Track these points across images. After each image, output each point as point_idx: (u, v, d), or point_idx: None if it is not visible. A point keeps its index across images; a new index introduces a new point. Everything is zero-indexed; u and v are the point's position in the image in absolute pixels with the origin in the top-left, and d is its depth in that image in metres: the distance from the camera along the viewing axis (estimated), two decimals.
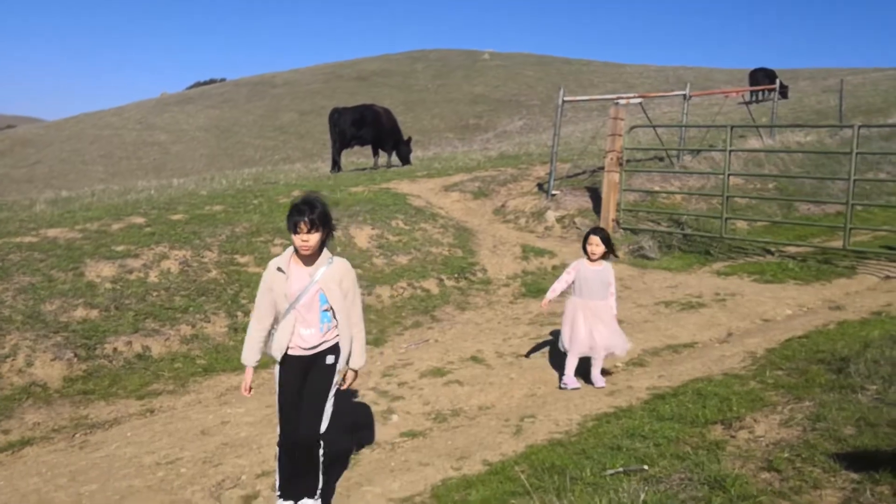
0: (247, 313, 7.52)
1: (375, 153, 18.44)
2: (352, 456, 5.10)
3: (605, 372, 6.48)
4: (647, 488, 3.70)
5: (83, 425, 5.93)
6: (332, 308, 4.16)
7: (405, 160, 18.15)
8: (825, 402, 4.75)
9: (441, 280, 9.47)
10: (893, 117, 20.25)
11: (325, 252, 4.20)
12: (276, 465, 4.32)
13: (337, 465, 4.92)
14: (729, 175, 11.58)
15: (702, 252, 11.38)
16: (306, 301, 4.11)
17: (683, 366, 6.56)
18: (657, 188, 13.40)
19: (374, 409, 5.91)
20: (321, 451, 4.22)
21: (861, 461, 3.79)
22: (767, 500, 3.56)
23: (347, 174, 16.27)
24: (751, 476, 3.85)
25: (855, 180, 10.36)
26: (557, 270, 10.29)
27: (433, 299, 9.01)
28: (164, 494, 4.64)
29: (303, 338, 4.15)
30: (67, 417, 6.01)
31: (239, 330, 7.46)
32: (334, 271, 4.16)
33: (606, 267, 6.37)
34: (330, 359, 4.21)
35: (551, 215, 12.49)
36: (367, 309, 8.39)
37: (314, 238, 4.02)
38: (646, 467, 4.12)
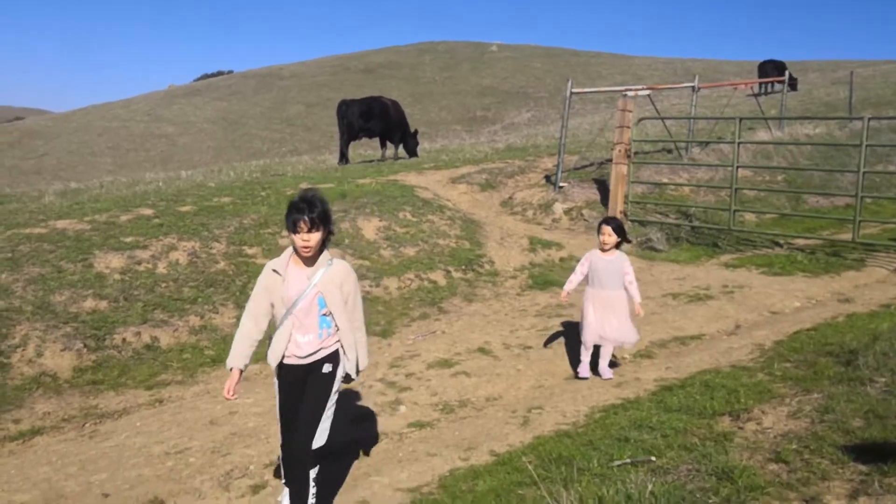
0: None
1: (383, 145, 18.43)
2: (360, 446, 5.12)
3: (612, 363, 6.49)
4: (654, 479, 3.70)
5: (93, 415, 5.96)
6: (331, 313, 3.97)
7: (412, 152, 18.13)
8: (833, 395, 4.74)
9: (448, 272, 9.47)
10: None
11: (325, 253, 4.03)
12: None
13: (345, 455, 4.94)
14: (737, 167, 11.55)
15: (710, 244, 11.35)
16: (304, 306, 3.92)
17: (691, 357, 6.56)
18: (665, 180, 13.36)
19: (381, 399, 5.93)
20: (314, 474, 4.02)
21: (869, 453, 3.78)
22: (775, 491, 3.56)
23: (355, 166, 16.28)
24: (759, 467, 3.85)
25: (864, 173, 10.31)
26: (565, 262, 10.30)
27: (440, 291, 9.02)
28: (173, 483, 4.67)
29: (299, 345, 3.96)
30: (77, 407, 6.05)
31: None
32: (334, 274, 3.97)
33: (619, 256, 6.36)
34: (327, 367, 4.01)
35: (559, 207, 12.47)
36: (374, 300, 8.41)
37: (315, 238, 3.86)
38: (653, 458, 4.12)
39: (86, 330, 6.91)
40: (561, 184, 13.06)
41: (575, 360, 6.63)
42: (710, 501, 3.51)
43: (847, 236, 10.64)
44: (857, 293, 8.50)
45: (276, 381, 4.09)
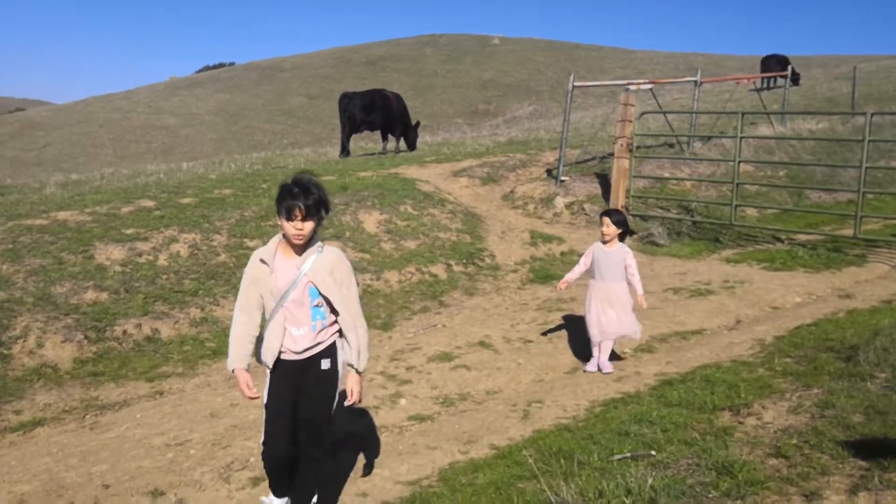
0: None
1: (385, 138, 18.40)
2: (360, 439, 5.13)
3: (613, 357, 6.49)
4: (654, 473, 3.70)
5: (93, 407, 5.97)
6: (324, 303, 3.71)
7: (412, 146, 18.10)
8: (834, 390, 4.74)
9: (449, 265, 9.47)
10: None
11: (317, 240, 3.76)
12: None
13: (345, 448, 4.95)
14: (739, 162, 11.52)
15: (711, 239, 11.34)
16: (295, 297, 3.66)
17: (692, 352, 6.56)
18: (667, 175, 13.34)
19: (382, 392, 5.93)
20: (324, 466, 3.93)
21: (869, 448, 3.78)
22: (775, 486, 3.56)
23: (356, 159, 16.25)
24: (759, 462, 3.85)
25: (867, 168, 10.29)
26: (566, 257, 10.30)
27: (441, 284, 9.02)
28: (173, 475, 4.68)
29: (294, 339, 3.71)
30: (78, 399, 6.06)
31: None
32: (325, 260, 3.70)
33: (620, 249, 6.35)
34: (326, 363, 3.77)
35: (560, 201, 12.46)
36: (375, 293, 8.41)
37: (309, 226, 3.59)
38: (653, 453, 4.12)
39: (87, 321, 6.91)
40: (562, 178, 13.04)
41: (578, 354, 6.65)
42: (711, 496, 3.51)
43: (849, 232, 10.62)
44: (859, 289, 8.49)
45: (268, 376, 3.84)
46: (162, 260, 8.19)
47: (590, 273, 6.49)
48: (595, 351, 6.43)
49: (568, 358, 6.81)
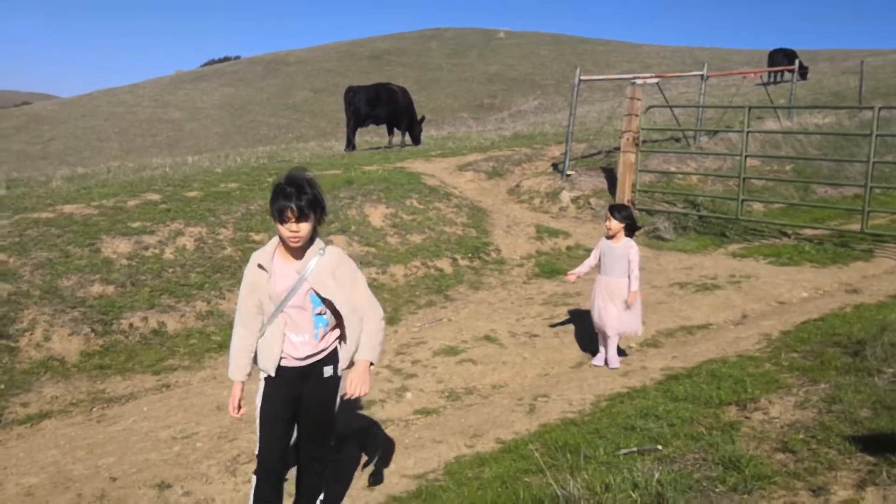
0: None
1: (390, 132, 18.38)
2: (366, 433, 5.14)
3: (619, 352, 6.48)
4: (661, 468, 3.70)
5: (100, 399, 5.99)
6: (327, 311, 3.53)
7: (416, 140, 18.09)
8: (841, 385, 4.73)
9: (455, 259, 9.47)
10: None
11: (318, 241, 3.52)
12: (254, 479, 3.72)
13: (351, 441, 4.96)
14: (746, 156, 11.50)
15: (717, 234, 11.32)
16: (296, 302, 3.47)
17: (697, 347, 6.55)
18: (673, 169, 13.31)
19: (388, 386, 5.94)
20: (327, 471, 3.80)
21: (877, 443, 3.77)
22: (782, 480, 3.56)
23: (362, 153, 16.25)
24: (765, 457, 3.84)
25: (874, 163, 10.26)
26: (572, 251, 10.29)
27: (447, 279, 9.02)
28: (180, 468, 4.69)
29: (295, 346, 3.53)
30: (85, 391, 6.07)
31: None
32: (326, 263, 3.48)
33: (626, 243, 6.30)
34: (328, 370, 3.60)
35: (566, 196, 12.44)
36: (381, 287, 8.41)
37: (305, 228, 3.36)
38: (660, 447, 4.12)
39: (93, 314, 6.93)
40: (568, 172, 13.01)
41: (584, 348, 6.67)
42: (718, 490, 3.51)
43: (856, 227, 10.58)
44: (866, 284, 8.47)
45: (261, 382, 3.63)
46: (168, 253, 8.21)
47: (598, 267, 6.49)
48: (601, 345, 6.44)
49: (574, 352, 6.81)
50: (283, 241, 3.45)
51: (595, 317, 6.38)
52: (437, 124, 32.70)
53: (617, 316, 6.25)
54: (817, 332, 6.34)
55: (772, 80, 27.46)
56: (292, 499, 3.93)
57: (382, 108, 17.47)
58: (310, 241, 3.46)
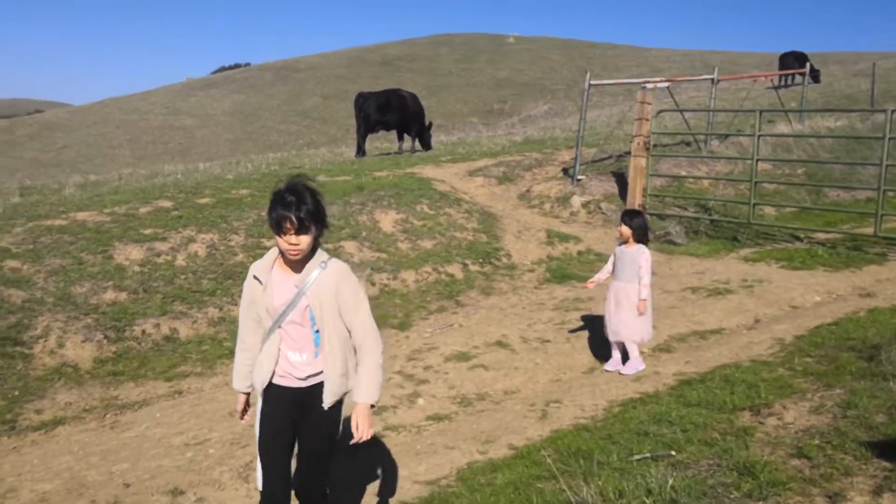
0: None
1: (400, 138, 18.42)
2: (377, 439, 5.13)
3: (623, 359, 6.43)
4: (675, 474, 3.68)
5: (113, 406, 6.01)
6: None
7: (427, 145, 18.11)
8: (856, 390, 4.70)
9: (466, 265, 9.46)
10: None
11: (320, 253, 3.28)
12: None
13: (363, 448, 4.95)
14: (757, 160, 11.44)
15: (729, 238, 11.27)
16: (294, 318, 3.24)
17: (710, 352, 6.51)
18: (684, 173, 13.27)
19: (399, 392, 5.93)
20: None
21: (893, 449, 3.74)
22: (798, 486, 3.53)
23: (372, 159, 16.28)
24: (780, 463, 3.82)
25: (887, 166, 10.19)
26: (583, 256, 10.27)
27: (458, 284, 9.02)
28: (193, 474, 4.70)
29: (293, 364, 3.29)
30: (98, 398, 6.10)
31: None
32: (327, 279, 3.22)
33: (637, 248, 6.29)
34: (330, 399, 3.34)
35: (577, 200, 12.42)
36: (392, 293, 8.42)
37: (305, 241, 3.14)
38: (673, 453, 4.10)
39: (106, 321, 6.96)
40: (579, 177, 12.99)
41: (596, 354, 6.66)
42: (732, 496, 3.49)
43: (868, 230, 10.51)
44: (879, 288, 8.40)
45: (259, 403, 3.42)
46: (180, 260, 8.24)
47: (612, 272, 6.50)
48: (613, 350, 6.42)
49: (586, 357, 6.79)
50: (281, 252, 3.27)
51: (606, 321, 6.38)
52: (448, 130, 32.71)
53: (626, 322, 6.24)
54: (831, 336, 6.29)
55: (783, 83, 27.34)
56: None
57: (393, 113, 17.52)
58: (311, 252, 3.24)
